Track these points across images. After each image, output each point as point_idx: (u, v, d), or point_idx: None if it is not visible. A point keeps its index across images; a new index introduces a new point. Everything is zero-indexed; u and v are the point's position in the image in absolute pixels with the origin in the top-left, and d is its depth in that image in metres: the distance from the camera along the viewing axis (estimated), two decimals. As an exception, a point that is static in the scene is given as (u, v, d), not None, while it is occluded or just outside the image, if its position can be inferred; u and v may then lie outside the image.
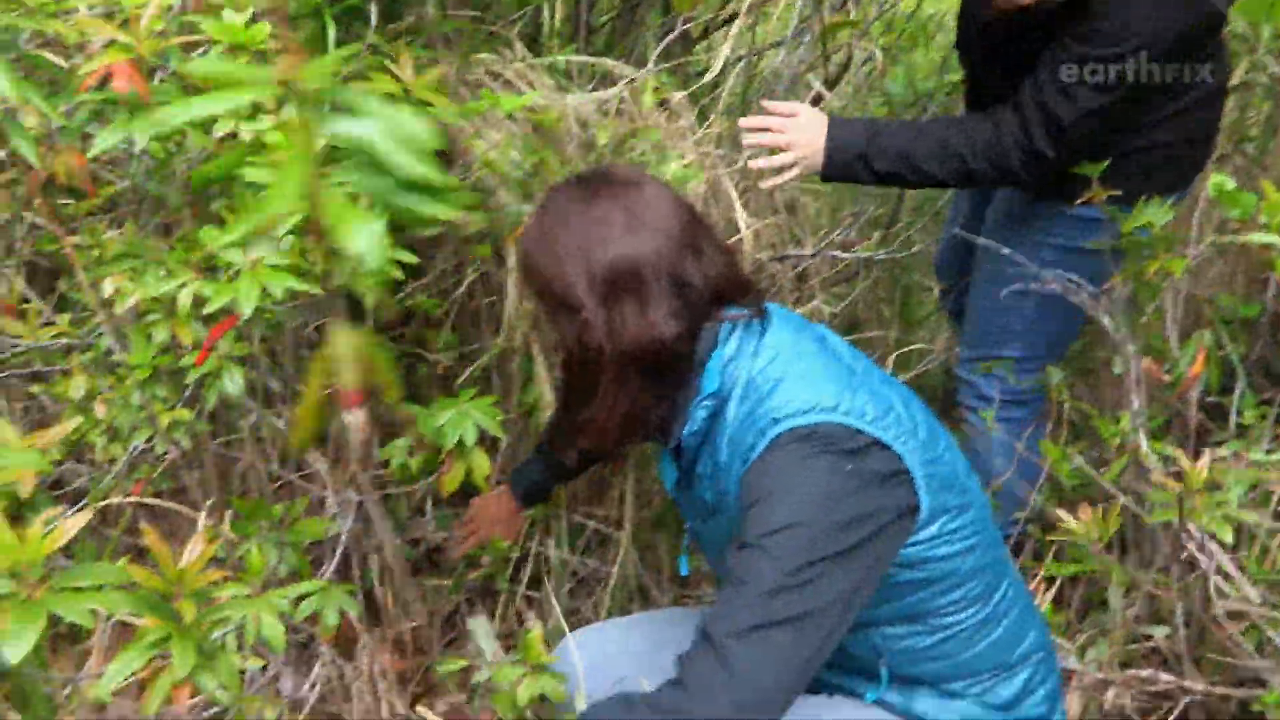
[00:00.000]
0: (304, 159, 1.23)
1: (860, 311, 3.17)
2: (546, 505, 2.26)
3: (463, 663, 1.86)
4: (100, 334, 1.78)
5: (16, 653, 0.86)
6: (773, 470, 1.41)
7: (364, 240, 0.78)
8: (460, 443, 1.65)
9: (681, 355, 1.48)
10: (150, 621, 1.08)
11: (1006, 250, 2.20)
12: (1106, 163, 2.03)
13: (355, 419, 0.81)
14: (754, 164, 2.15)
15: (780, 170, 2.12)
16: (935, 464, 1.49)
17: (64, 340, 1.79)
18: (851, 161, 2.14)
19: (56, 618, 0.92)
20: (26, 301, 2.07)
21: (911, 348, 2.84)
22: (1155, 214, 1.98)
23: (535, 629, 1.63)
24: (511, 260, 2.03)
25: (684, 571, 1.81)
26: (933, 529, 1.48)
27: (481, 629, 1.89)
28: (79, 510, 1.57)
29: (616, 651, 1.85)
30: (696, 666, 1.36)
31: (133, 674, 1.04)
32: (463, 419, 1.65)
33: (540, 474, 2.09)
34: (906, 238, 3.02)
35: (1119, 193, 2.03)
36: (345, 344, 0.80)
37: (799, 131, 2.11)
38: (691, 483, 1.61)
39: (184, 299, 1.35)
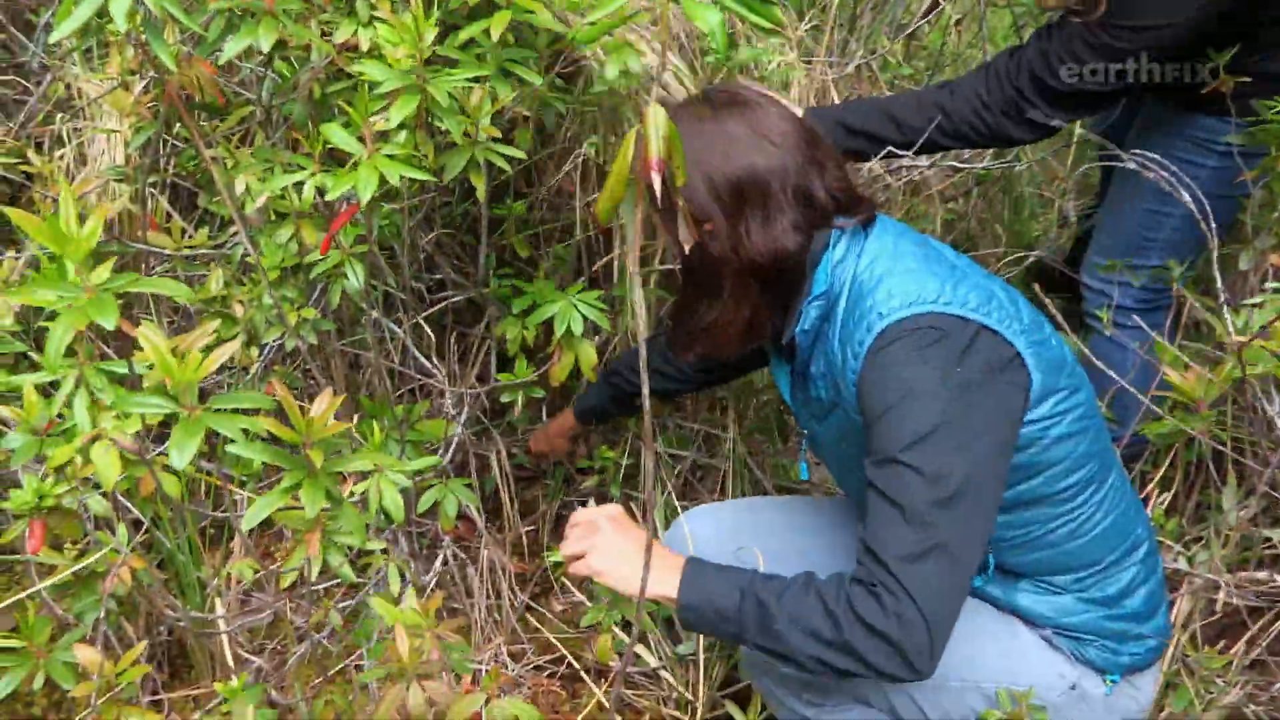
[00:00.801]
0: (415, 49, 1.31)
1: (972, 227, 3.15)
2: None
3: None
4: (236, 244, 1.91)
5: (183, 459, 0.97)
6: (890, 370, 1.44)
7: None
8: (569, 332, 1.72)
9: (800, 264, 1.54)
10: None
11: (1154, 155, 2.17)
12: (1233, 50, 2.00)
13: (658, 182, 0.91)
14: None
15: None
16: (1042, 346, 1.52)
17: (205, 251, 1.92)
18: (829, 127, 2.09)
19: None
20: (169, 218, 2.23)
21: (1028, 254, 2.80)
22: (1284, 105, 1.93)
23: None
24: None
25: (804, 476, 1.85)
26: (1045, 408, 1.50)
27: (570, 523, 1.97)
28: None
29: (730, 527, 1.92)
30: (869, 597, 1.38)
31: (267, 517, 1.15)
32: (570, 310, 1.73)
33: (599, 399, 2.18)
34: (1017, 152, 2.96)
35: (1249, 80, 2.00)
36: (655, 118, 0.89)
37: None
38: (807, 383, 1.65)
39: (307, 191, 1.45)
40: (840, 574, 1.44)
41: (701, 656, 1.78)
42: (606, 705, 2.10)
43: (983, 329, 1.46)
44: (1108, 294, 2.44)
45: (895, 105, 2.10)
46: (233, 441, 1.04)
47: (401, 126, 1.37)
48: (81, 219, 0.98)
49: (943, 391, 1.41)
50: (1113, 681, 1.66)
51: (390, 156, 1.34)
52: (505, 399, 2.12)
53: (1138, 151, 2.15)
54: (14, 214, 0.96)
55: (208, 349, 2.05)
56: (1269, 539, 2.12)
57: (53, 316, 1.03)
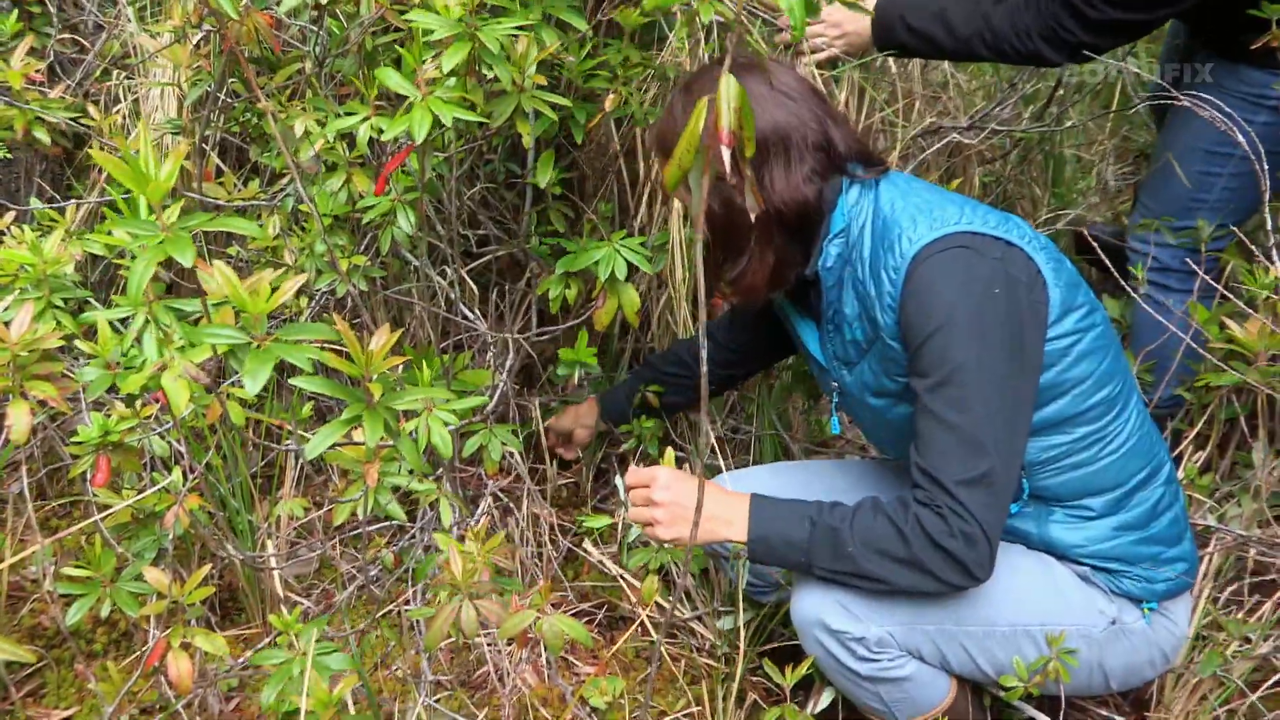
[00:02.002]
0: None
1: (1010, 190, 3.15)
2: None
3: (607, 520, 1.99)
4: (287, 195, 1.96)
5: (255, 385, 1.03)
6: (931, 293, 1.52)
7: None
8: (612, 277, 1.77)
9: (818, 209, 1.63)
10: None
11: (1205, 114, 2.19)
12: None
13: (727, 154, 0.94)
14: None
15: None
16: (1060, 263, 1.62)
17: (257, 202, 1.97)
18: (894, 21, 2.21)
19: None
20: (221, 173, 2.29)
21: (1063, 212, 2.81)
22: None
23: (669, 453, 1.73)
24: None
25: (835, 430, 1.92)
26: (1068, 323, 1.59)
27: (625, 488, 2.01)
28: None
29: (772, 488, 1.97)
30: (936, 518, 1.50)
31: (333, 445, 1.19)
32: (614, 256, 1.77)
33: (629, 397, 2.27)
34: (1060, 113, 2.96)
35: None
36: (729, 89, 0.93)
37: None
38: (839, 330, 1.71)
39: (362, 133, 1.49)
40: (902, 496, 1.55)
41: (742, 618, 1.82)
42: (651, 645, 2.15)
43: (1007, 244, 1.55)
44: (1155, 257, 2.45)
45: (952, 10, 2.17)
46: (300, 373, 1.08)
47: (452, 74, 1.41)
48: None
49: (983, 313, 1.50)
50: (1151, 610, 1.72)
51: (443, 100, 1.38)
52: (562, 372, 2.18)
53: (1190, 93, 2.16)
54: (98, 155, 1.01)
55: (273, 279, 2.13)
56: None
57: (120, 258, 1.08)
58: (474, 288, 2.21)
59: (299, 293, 1.94)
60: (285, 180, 1.94)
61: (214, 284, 1.07)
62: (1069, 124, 2.93)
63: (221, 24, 1.55)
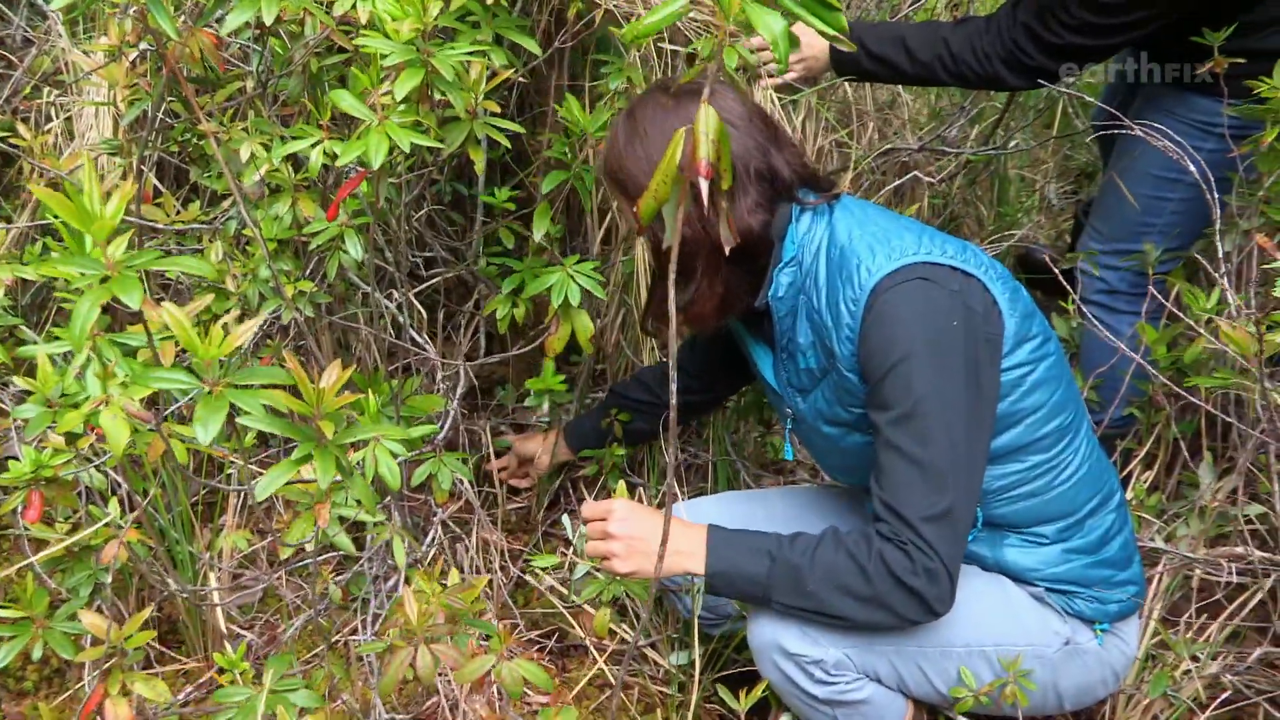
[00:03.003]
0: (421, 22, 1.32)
1: (957, 209, 3.18)
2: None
3: (554, 559, 1.96)
4: (230, 218, 1.91)
5: (207, 435, 0.98)
6: (890, 326, 1.51)
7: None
8: (566, 303, 1.74)
9: (765, 238, 1.62)
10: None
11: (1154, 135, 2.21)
12: (1230, 28, 2.04)
13: (705, 187, 0.94)
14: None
15: None
16: (1017, 293, 1.62)
17: (197, 225, 1.91)
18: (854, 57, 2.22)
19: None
20: (159, 194, 2.22)
21: (1011, 233, 2.83)
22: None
23: (622, 485, 1.71)
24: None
25: (789, 456, 1.91)
26: (1021, 354, 1.59)
27: (572, 525, 1.99)
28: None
29: (729, 517, 1.95)
30: (901, 554, 1.49)
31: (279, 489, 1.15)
32: (567, 281, 1.74)
33: (593, 428, 2.25)
34: (1008, 138, 3.00)
35: (1242, 60, 2.04)
36: (707, 120, 0.91)
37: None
38: (793, 357, 1.70)
39: (315, 157, 1.45)
40: (865, 531, 1.53)
41: (697, 652, 1.80)
42: (612, 681, 2.11)
43: (965, 275, 1.55)
44: (1103, 279, 2.47)
45: (911, 36, 2.19)
46: (250, 415, 1.04)
47: (404, 99, 1.38)
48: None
49: (943, 345, 1.50)
50: (1103, 631, 1.73)
51: (399, 124, 1.35)
52: (530, 403, 2.15)
53: (1143, 121, 2.19)
54: (39, 192, 0.96)
55: (224, 326, 2.07)
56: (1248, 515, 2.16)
57: (55, 285, 1.03)
58: (422, 311, 2.17)
59: (239, 319, 1.89)
60: (228, 203, 1.88)
61: (161, 323, 1.03)
62: (1014, 144, 2.96)
63: (160, 44, 1.50)
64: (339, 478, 1.18)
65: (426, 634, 1.17)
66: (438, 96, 1.46)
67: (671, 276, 1.12)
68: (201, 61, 1.58)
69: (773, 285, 1.64)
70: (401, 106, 1.38)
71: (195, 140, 2.00)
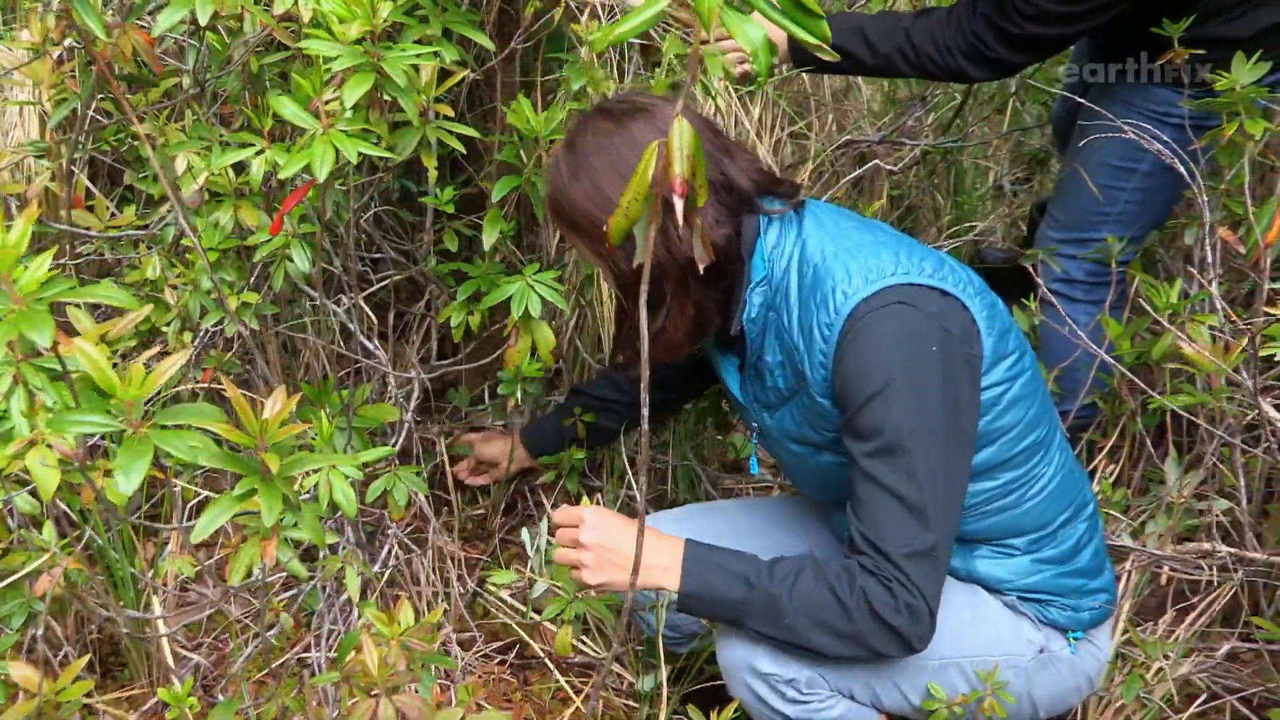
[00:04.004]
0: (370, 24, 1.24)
1: (913, 198, 3.15)
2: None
3: (511, 576, 1.90)
4: (167, 224, 1.81)
5: (130, 484, 0.90)
6: (868, 355, 1.45)
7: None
8: (526, 315, 1.66)
9: (732, 253, 1.54)
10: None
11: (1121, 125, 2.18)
12: (1189, 19, 2.01)
13: (680, 204, 0.90)
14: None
15: None
16: (993, 310, 1.56)
17: (133, 232, 1.81)
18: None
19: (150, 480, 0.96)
20: (91, 196, 2.11)
21: (972, 224, 2.80)
22: (1241, 72, 1.93)
23: (585, 501, 1.65)
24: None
25: (754, 470, 1.86)
26: (998, 373, 1.54)
27: (532, 539, 1.92)
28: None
29: (696, 531, 1.89)
30: (884, 591, 1.44)
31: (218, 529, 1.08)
32: (527, 292, 1.67)
33: (559, 430, 2.16)
34: (967, 130, 2.96)
35: (1202, 51, 2.02)
36: (682, 135, 0.86)
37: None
38: (760, 375, 1.64)
39: (256, 167, 1.36)
40: (846, 564, 1.47)
41: (664, 674, 1.74)
42: (573, 695, 2.06)
43: (942, 294, 1.49)
44: (1061, 268, 2.45)
45: (871, 27, 2.13)
46: (178, 459, 0.96)
47: (354, 105, 1.29)
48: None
49: (922, 374, 1.44)
50: (1076, 639, 1.70)
51: (345, 133, 1.26)
52: (503, 391, 2.05)
53: (1100, 109, 2.16)
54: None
55: (141, 333, 1.95)
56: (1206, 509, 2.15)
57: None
58: (372, 317, 2.08)
59: (180, 330, 1.79)
60: (166, 207, 1.79)
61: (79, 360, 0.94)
62: (966, 131, 2.93)
63: (87, 41, 1.41)
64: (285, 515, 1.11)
65: (388, 683, 1.10)
66: (385, 96, 1.37)
67: (643, 297, 1.06)
68: (135, 60, 1.48)
69: (745, 307, 1.57)
70: (349, 113, 1.30)
71: (129, 140, 1.90)
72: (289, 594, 2.09)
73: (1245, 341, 1.69)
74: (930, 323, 1.45)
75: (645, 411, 1.01)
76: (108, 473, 1.14)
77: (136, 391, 0.93)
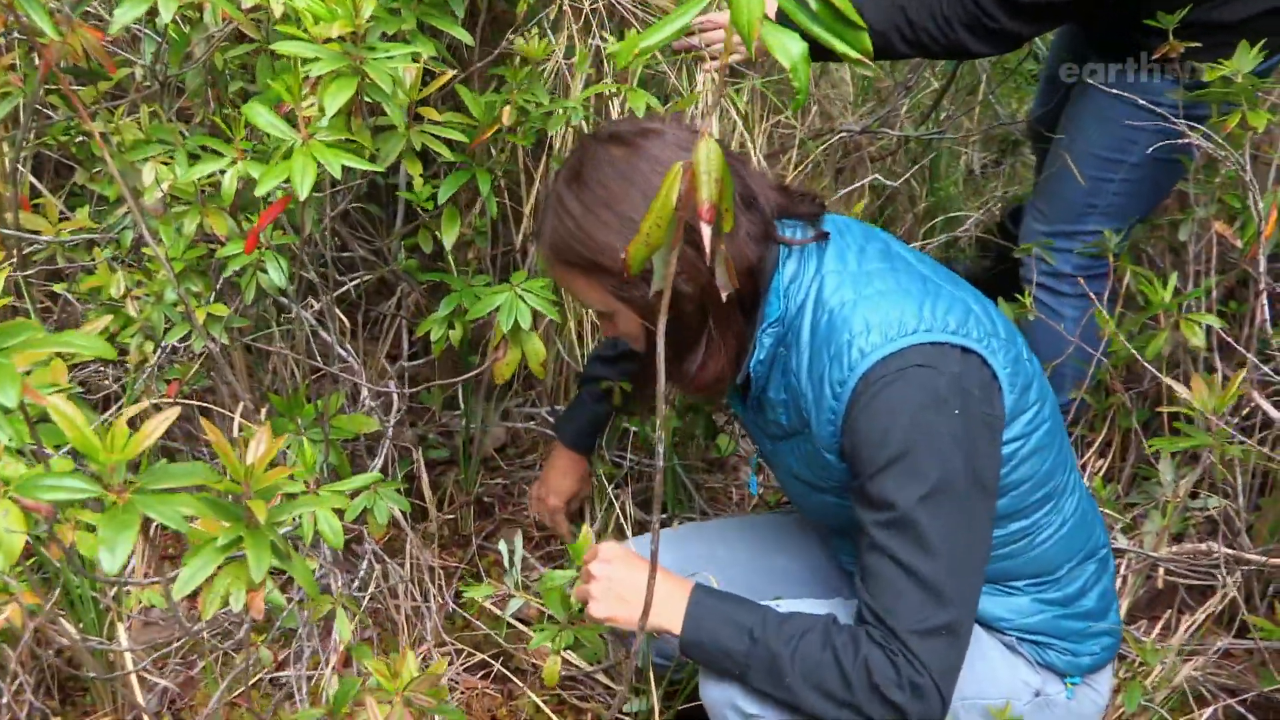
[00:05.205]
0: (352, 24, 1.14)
1: (892, 188, 3.09)
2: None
3: (489, 590, 1.82)
4: (124, 228, 1.70)
5: (115, 562, 0.80)
6: (883, 420, 1.35)
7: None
8: (515, 327, 1.56)
9: (765, 277, 1.44)
10: (209, 525, 1.03)
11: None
12: (1186, 9, 1.96)
13: (707, 231, 0.83)
14: None
15: None
16: (1017, 363, 1.46)
17: (87, 235, 1.70)
18: None
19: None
20: (37, 195, 1.98)
21: (956, 216, 2.75)
22: (1241, 61, 1.88)
23: (586, 530, 1.58)
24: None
25: (754, 491, 1.79)
26: (1016, 428, 1.45)
27: (509, 549, 1.84)
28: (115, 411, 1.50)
29: (687, 554, 1.83)
30: (887, 665, 1.35)
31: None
32: (516, 303, 1.57)
33: (591, 420, 2.04)
34: (948, 115, 2.91)
35: (1199, 44, 1.97)
36: (708, 156, 0.78)
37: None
38: (763, 407, 1.55)
39: (229, 183, 1.25)
40: (854, 632, 1.39)
41: (655, 696, 1.67)
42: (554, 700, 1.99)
43: (965, 352, 1.39)
44: (1047, 260, 2.40)
45: (863, 7, 2.00)
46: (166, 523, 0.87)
47: (335, 113, 1.19)
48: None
49: (942, 441, 1.34)
50: (1073, 684, 1.63)
51: (327, 144, 1.16)
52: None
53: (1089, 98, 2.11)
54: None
55: (130, 416, 1.82)
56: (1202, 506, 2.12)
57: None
58: (345, 321, 1.98)
59: (145, 339, 1.69)
60: (122, 210, 1.67)
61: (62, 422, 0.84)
62: (944, 118, 2.87)
63: (34, 39, 1.29)
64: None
65: (393, 750, 1.02)
66: (367, 99, 1.27)
67: (661, 325, 0.98)
68: (86, 59, 1.37)
69: (756, 348, 1.46)
70: (325, 121, 1.20)
71: (78, 136, 1.77)
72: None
73: (1238, 380, 1.63)
74: (951, 386, 1.36)
75: (660, 448, 0.94)
76: (78, 524, 1.05)
77: (119, 455, 0.83)
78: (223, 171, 1.25)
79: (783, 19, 0.84)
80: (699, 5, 0.83)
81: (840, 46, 0.83)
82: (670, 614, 1.44)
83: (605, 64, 2.04)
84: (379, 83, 1.16)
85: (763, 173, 1.49)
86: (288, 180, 1.10)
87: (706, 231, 0.86)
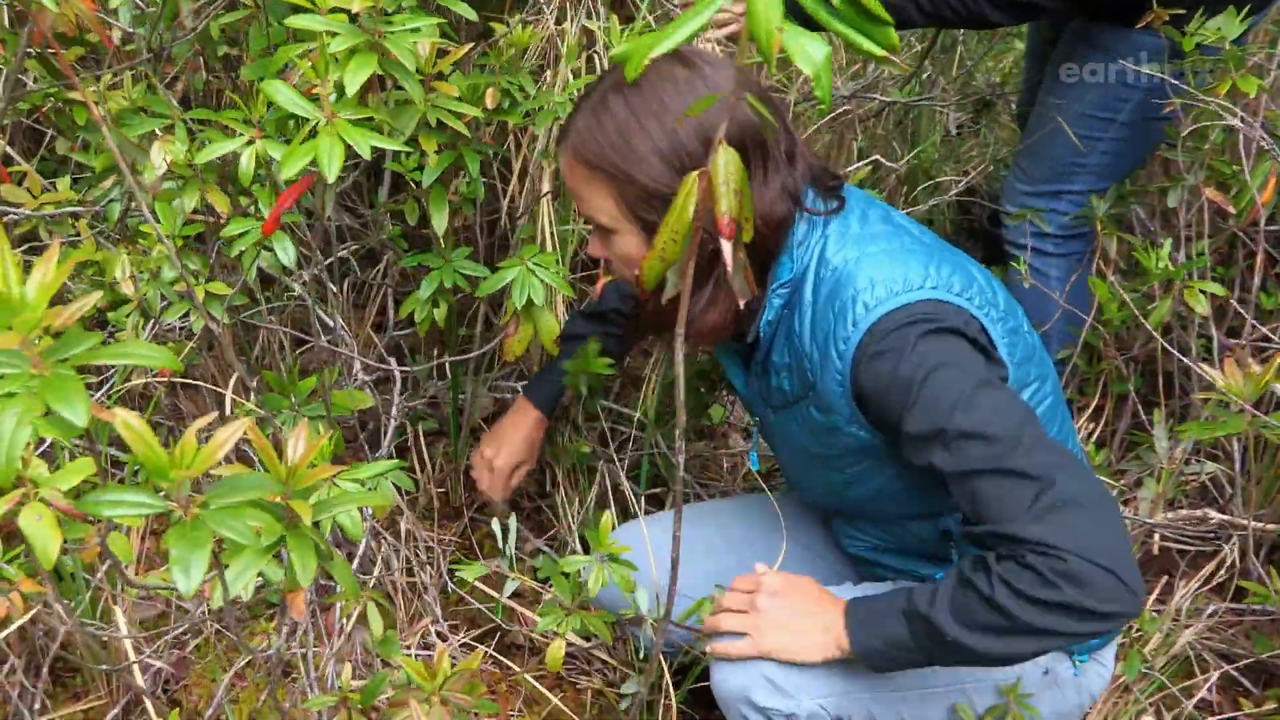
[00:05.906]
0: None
1: (867, 149, 3.07)
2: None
3: (482, 570, 1.79)
4: (111, 200, 1.63)
5: (190, 583, 0.76)
6: (891, 367, 1.32)
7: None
8: (529, 302, 1.52)
9: (782, 237, 1.40)
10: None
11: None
12: None
13: (729, 248, 0.78)
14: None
15: None
16: (1015, 335, 1.44)
17: (72, 209, 1.63)
18: None
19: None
20: (10, 161, 1.90)
21: (940, 181, 2.74)
22: (1226, 27, 1.87)
23: (606, 516, 1.55)
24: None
25: (755, 467, 1.74)
26: None
27: (502, 529, 1.81)
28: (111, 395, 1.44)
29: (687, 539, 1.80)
30: (1022, 571, 1.22)
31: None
32: (527, 277, 1.52)
33: (560, 379, 1.96)
34: (929, 76, 2.88)
35: (1182, 11, 1.95)
36: (726, 166, 0.74)
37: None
38: (766, 372, 1.53)
39: (246, 161, 1.20)
40: (982, 556, 1.28)
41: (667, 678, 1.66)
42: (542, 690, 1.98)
43: (968, 315, 1.37)
44: (1031, 222, 2.40)
45: None
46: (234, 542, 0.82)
47: (357, 90, 1.14)
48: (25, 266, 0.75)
49: (952, 357, 1.31)
50: (1080, 661, 1.64)
51: (352, 122, 1.11)
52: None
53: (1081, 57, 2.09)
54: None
55: (197, 429, 1.78)
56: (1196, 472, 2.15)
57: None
58: (339, 294, 1.93)
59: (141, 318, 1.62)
60: (109, 182, 1.60)
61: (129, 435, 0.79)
62: (926, 78, 2.85)
63: (25, 7, 1.22)
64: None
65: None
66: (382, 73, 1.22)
67: (679, 340, 0.94)
68: (79, 31, 1.30)
69: (766, 310, 1.43)
70: (340, 97, 1.14)
71: (59, 104, 1.69)
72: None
73: (1273, 366, 1.61)
74: (954, 325, 1.34)
75: (680, 459, 0.91)
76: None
77: (185, 473, 0.79)
78: (242, 149, 1.19)
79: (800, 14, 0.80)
80: (714, 6, 0.78)
81: (866, 45, 0.79)
82: (835, 639, 1.41)
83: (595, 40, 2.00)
84: (399, 57, 1.11)
85: (797, 137, 1.44)
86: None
87: (727, 248, 0.82)
